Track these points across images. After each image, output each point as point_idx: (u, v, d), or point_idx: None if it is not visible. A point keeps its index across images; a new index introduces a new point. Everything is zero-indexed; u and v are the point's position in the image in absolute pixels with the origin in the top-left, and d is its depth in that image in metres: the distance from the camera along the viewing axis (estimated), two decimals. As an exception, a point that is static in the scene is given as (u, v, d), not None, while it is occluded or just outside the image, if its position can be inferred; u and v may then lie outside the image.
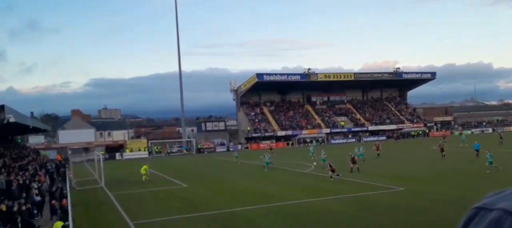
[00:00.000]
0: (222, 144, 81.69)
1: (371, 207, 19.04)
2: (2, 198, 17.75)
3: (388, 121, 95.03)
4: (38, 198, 21.49)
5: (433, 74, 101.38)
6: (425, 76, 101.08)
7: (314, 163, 37.43)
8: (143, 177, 33.74)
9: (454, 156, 40.50)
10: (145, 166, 34.87)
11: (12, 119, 14.28)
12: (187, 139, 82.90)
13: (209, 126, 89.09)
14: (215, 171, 39.52)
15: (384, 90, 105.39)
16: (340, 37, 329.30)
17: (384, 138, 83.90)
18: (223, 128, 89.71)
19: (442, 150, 39.14)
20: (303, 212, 18.59)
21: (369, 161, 39.38)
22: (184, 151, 76.54)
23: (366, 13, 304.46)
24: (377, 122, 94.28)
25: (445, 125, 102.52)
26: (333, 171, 29.07)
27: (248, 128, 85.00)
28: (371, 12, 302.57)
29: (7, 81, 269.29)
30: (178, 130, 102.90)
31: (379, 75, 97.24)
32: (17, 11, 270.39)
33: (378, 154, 44.22)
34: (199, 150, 77.01)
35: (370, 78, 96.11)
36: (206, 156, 68.17)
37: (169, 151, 76.64)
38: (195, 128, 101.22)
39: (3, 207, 16.12)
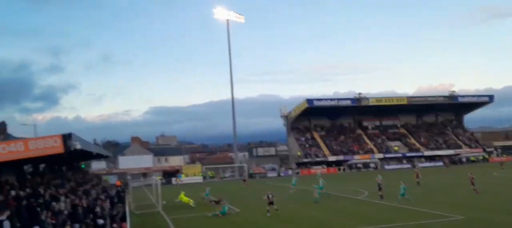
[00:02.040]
0: (273, 170, 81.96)
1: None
2: (69, 221, 19.11)
3: (444, 146, 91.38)
4: (100, 221, 22.81)
5: (491, 97, 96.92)
6: (482, 99, 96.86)
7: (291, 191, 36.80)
8: (190, 202, 34.28)
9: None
10: (182, 194, 35.46)
11: (78, 146, 15.51)
12: (239, 164, 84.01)
13: (260, 151, 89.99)
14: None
15: (439, 114, 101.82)
16: (393, 60, 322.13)
17: (441, 164, 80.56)
18: (274, 153, 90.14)
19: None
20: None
21: (423, 188, 38.10)
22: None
23: (419, 35, 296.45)
24: (433, 147, 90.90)
25: (506, 150, 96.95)
26: (271, 203, 27.22)
27: (299, 153, 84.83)
28: (424, 34, 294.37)
29: (76, 110, 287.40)
30: (231, 156, 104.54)
31: (434, 98, 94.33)
32: (93, 46, 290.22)
33: (418, 182, 41.14)
34: (250, 176, 77.70)
35: (424, 102, 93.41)
36: (257, 181, 68.62)
37: (222, 176, 77.96)
38: (246, 153, 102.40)
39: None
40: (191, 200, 34.67)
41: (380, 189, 33.39)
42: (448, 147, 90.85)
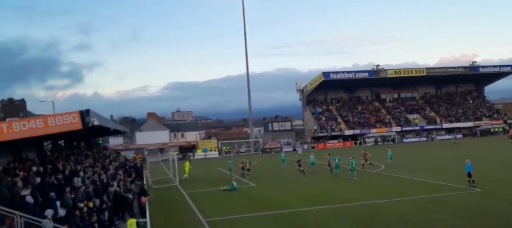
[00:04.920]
0: (288, 144, 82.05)
1: (444, 209, 18.42)
2: (90, 196, 19.48)
3: (464, 118, 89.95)
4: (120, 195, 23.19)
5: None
6: (504, 69, 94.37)
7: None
8: (186, 175, 37.11)
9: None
10: (187, 163, 38.98)
11: (96, 123, 15.57)
12: (254, 139, 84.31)
13: (276, 126, 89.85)
14: (282, 171, 39.94)
15: (460, 86, 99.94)
16: (414, 31, 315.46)
17: (460, 136, 79.34)
18: (289, 128, 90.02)
19: None
20: (373, 214, 18.42)
21: (442, 159, 37.72)
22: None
23: (442, 4, 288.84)
24: (452, 119, 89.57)
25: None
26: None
27: (315, 128, 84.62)
28: (447, 3, 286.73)
29: (95, 87, 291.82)
30: (246, 131, 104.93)
31: (454, 69, 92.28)
32: (120, 24, 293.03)
33: (363, 164, 35.94)
34: (264, 150, 78.08)
35: (444, 73, 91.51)
36: (272, 155, 68.89)
37: (237, 151, 78.45)
38: (262, 128, 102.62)
39: (90, 204, 17.71)
40: (187, 173, 37.34)
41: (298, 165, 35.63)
42: (468, 119, 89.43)
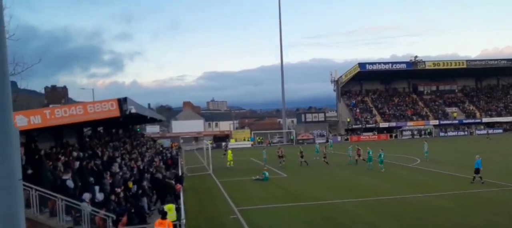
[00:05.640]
0: (321, 135, 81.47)
1: (482, 205, 17.94)
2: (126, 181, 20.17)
3: (505, 112, 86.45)
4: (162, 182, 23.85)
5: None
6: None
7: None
8: (231, 162, 37.90)
9: None
10: (229, 151, 39.83)
11: (133, 110, 16.06)
12: (287, 130, 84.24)
13: (309, 117, 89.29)
14: (315, 163, 39.81)
15: (501, 79, 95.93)
16: (455, 22, 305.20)
17: (501, 131, 76.42)
18: (323, 119, 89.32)
19: None
20: (407, 208, 18.19)
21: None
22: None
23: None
24: (493, 113, 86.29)
25: None
26: None
27: (348, 119, 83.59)
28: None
29: (134, 75, 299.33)
30: (279, 121, 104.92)
31: (495, 62, 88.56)
32: (160, 13, 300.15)
33: (356, 160, 35.96)
34: (297, 141, 77.86)
35: (485, 65, 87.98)
36: (305, 146, 68.66)
37: (270, 141, 78.66)
38: (295, 119, 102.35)
39: (130, 184, 18.36)
40: (232, 162, 37.99)
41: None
42: (509, 114, 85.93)
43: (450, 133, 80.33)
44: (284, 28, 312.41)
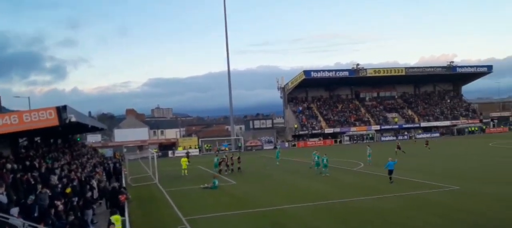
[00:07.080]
0: (269, 142, 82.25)
1: (423, 207, 18.71)
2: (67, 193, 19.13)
3: (441, 117, 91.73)
4: (97, 194, 22.85)
5: (489, 68, 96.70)
6: (480, 69, 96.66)
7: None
8: (183, 171, 36.80)
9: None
10: (184, 159, 38.80)
11: (73, 119, 15.29)
12: (235, 137, 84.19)
13: (257, 124, 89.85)
14: (263, 169, 40.03)
15: (438, 85, 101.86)
16: (396, 31, 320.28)
17: (437, 134, 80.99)
18: (270, 126, 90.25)
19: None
20: (352, 211, 18.59)
21: (419, 158, 38.35)
22: (225, 148, 77.18)
23: (423, 5, 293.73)
24: (430, 118, 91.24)
25: (503, 121, 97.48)
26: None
27: (295, 126, 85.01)
28: (427, 4, 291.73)
29: (74, 83, 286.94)
30: (227, 128, 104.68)
31: (432, 69, 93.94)
32: (107, 19, 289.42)
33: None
34: (245, 148, 77.99)
35: (422, 73, 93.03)
36: (253, 153, 68.95)
37: (218, 148, 78.18)
38: (243, 126, 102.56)
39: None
40: (186, 171, 36.90)
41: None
42: (445, 118, 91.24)
43: (390, 138, 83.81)
44: (232, 35, 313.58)
